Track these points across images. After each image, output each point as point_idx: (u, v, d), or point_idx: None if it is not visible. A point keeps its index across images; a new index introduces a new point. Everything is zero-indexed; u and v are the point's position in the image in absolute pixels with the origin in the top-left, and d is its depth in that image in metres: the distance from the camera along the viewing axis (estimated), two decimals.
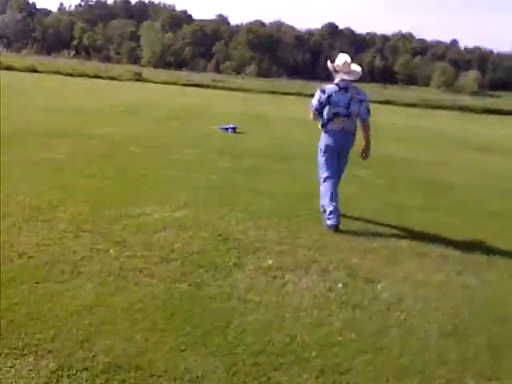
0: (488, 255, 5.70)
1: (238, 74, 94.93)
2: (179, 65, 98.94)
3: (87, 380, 2.91)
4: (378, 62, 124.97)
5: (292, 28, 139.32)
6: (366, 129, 6.45)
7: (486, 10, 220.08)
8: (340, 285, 4.49)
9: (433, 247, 5.79)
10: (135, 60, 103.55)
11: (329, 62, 6.47)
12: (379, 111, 35.22)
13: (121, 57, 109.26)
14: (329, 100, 6.25)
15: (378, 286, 4.56)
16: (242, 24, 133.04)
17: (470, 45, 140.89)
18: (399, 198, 8.11)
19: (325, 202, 6.26)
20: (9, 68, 42.60)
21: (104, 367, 3.03)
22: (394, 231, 6.27)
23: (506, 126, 33.73)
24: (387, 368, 3.33)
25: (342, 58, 6.36)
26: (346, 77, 6.29)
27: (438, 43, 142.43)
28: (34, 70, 43.90)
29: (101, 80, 42.08)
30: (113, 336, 3.35)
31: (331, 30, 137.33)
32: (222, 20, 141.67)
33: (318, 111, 6.35)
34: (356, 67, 6.42)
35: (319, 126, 6.49)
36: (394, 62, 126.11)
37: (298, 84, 65.00)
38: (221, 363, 3.19)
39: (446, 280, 4.89)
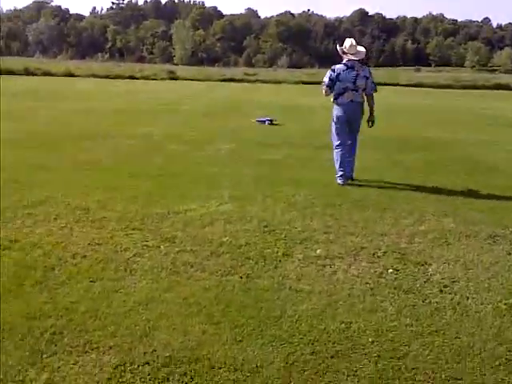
0: None
1: (270, 66, 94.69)
2: (212, 61, 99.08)
3: (149, 374, 2.98)
4: (409, 45, 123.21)
5: (321, 17, 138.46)
6: (371, 100, 7.65)
7: None
8: (390, 270, 4.48)
9: (481, 227, 5.72)
10: (168, 59, 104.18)
11: (338, 46, 7.74)
12: (413, 94, 34.70)
13: (154, 56, 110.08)
14: (338, 77, 7.48)
15: (429, 269, 4.54)
16: (271, 17, 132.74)
17: (504, 21, 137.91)
18: (442, 180, 7.99)
19: (337, 166, 7.61)
20: (46, 73, 43.40)
21: (164, 361, 3.10)
22: (441, 213, 6.20)
23: None
24: (445, 350, 3.31)
25: (349, 42, 7.62)
26: (352, 57, 7.52)
27: (469, 22, 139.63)
28: (71, 75, 44.57)
29: (136, 80, 42.50)
30: (170, 330, 3.42)
31: (361, 16, 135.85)
32: (252, 14, 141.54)
33: (330, 87, 7.55)
34: (361, 48, 7.62)
35: (331, 100, 7.66)
36: (426, 44, 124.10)
37: None
38: (278, 353, 3.22)
39: (496, 260, 4.83)
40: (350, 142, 7.63)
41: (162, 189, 6.94)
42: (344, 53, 7.57)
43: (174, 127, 13.41)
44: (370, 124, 7.78)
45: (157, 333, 3.39)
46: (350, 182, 7.52)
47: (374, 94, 7.63)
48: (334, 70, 7.51)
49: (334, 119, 7.63)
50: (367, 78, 7.54)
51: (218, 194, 6.74)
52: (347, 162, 7.51)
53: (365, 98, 7.63)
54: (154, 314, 3.61)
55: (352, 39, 7.64)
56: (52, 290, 3.91)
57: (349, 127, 7.60)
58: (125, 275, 4.21)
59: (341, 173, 7.51)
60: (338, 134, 7.63)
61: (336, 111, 7.60)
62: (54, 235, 5.06)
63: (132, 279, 4.14)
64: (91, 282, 4.08)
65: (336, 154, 7.65)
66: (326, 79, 7.57)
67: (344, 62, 7.55)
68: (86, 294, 3.87)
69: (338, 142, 7.62)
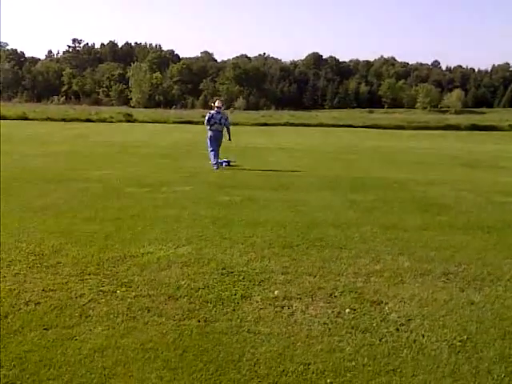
0: (489, 270, 5.75)
1: (227, 108, 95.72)
2: (168, 103, 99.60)
3: None
4: (363, 88, 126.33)
5: (277, 60, 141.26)
6: (228, 129, 14.87)
7: (464, 27, 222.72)
8: (348, 310, 4.52)
9: (434, 265, 5.84)
10: (125, 101, 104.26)
11: (212, 104, 15.24)
12: (366, 135, 35.45)
13: (111, 99, 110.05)
14: (212, 117, 14.64)
15: (386, 308, 4.60)
16: (228, 60, 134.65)
17: (453, 64, 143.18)
18: (396, 219, 8.16)
19: (212, 161, 14.51)
20: (0, 117, 42.96)
21: None
22: (395, 252, 6.31)
23: (489, 142, 34.05)
24: None
25: (217, 101, 15.20)
26: (218, 107, 14.84)
27: (420, 65, 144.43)
28: (26, 118, 44.21)
29: (92, 123, 42.36)
30: (126, 378, 3.37)
31: (315, 59, 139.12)
32: (208, 57, 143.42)
33: (208, 122, 14.62)
34: (223, 104, 15.81)
35: (207, 128, 14.73)
36: (379, 86, 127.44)
37: (285, 114, 65.74)
38: None
39: (450, 297, 4.92)
40: (217, 149, 14.50)
41: (118, 232, 6.88)
42: (215, 106, 14.85)
43: (131, 170, 13.38)
44: (229, 138, 14.89)
45: (113, 381, 3.32)
46: (305, 223, 7.63)
47: (230, 127, 15.01)
48: (210, 114, 14.70)
49: (208, 137, 14.72)
50: (226, 120, 14.79)
51: (176, 236, 6.72)
52: (216, 158, 14.35)
53: (225, 129, 14.77)
54: (110, 361, 3.54)
55: (219, 100, 15.87)
56: (4, 339, 3.80)
57: (215, 142, 14.54)
58: (80, 322, 4.13)
59: (215, 164, 14.34)
60: (210, 145, 14.63)
61: (209, 133, 14.68)
62: (6, 282, 4.95)
63: (87, 326, 4.06)
64: (45, 329, 3.98)
65: (210, 155, 14.64)
66: (207, 117, 14.73)
67: (215, 110, 14.69)
68: (40, 343, 3.77)
69: (211, 149, 14.61)
